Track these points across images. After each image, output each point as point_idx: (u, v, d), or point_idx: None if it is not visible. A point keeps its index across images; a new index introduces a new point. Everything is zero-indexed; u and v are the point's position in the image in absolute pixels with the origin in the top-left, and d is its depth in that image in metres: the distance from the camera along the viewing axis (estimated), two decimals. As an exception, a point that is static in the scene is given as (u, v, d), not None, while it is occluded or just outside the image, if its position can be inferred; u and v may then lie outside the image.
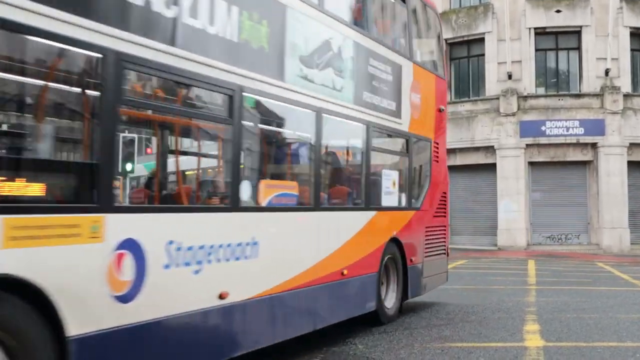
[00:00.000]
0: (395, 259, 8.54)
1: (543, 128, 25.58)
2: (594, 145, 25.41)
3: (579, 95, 25.68)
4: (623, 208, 24.92)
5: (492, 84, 26.32)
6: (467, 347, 6.84)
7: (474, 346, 6.92)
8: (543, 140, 25.63)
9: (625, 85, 25.62)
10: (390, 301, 8.45)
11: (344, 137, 8.00)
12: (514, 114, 25.68)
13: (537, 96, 26.04)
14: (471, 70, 27.56)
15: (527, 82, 25.98)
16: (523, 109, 25.79)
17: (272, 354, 6.42)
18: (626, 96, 25.43)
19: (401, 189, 8.88)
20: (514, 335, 7.56)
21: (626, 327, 8.20)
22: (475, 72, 27.31)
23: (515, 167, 25.57)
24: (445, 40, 27.52)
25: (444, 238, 10.30)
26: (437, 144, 10.05)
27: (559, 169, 25.86)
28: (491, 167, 26.18)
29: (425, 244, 9.45)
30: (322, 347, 6.80)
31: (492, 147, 26.01)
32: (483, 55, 26.77)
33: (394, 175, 8.75)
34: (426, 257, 9.40)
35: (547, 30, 26.11)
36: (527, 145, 25.71)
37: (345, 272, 7.13)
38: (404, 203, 8.95)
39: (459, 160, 26.84)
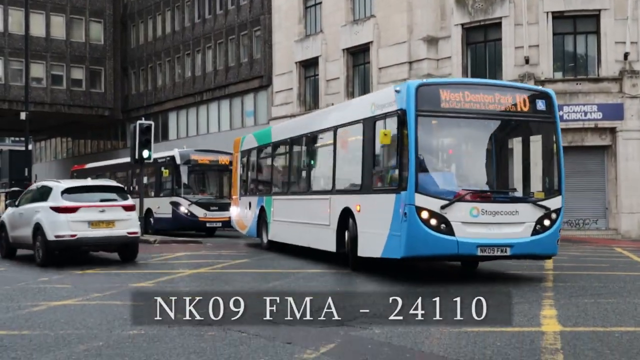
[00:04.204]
0: None
1: (561, 113, 25.27)
2: (612, 130, 25.19)
3: (597, 80, 25.43)
4: (642, 193, 24.73)
5: (509, 69, 26.11)
6: (484, 332, 6.86)
7: (490, 331, 6.94)
8: (561, 125, 25.29)
9: (645, 69, 25.33)
10: None
11: None
12: (531, 99, 25.47)
13: (554, 80, 25.81)
14: (488, 55, 27.35)
15: (545, 67, 25.75)
16: (540, 94, 25.57)
17: (290, 333, 6.50)
18: (645, 80, 25.16)
19: None
20: (530, 320, 7.57)
21: (644, 312, 8.18)
22: (492, 57, 27.10)
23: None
24: (462, 25, 27.36)
25: None
26: None
27: (576, 154, 25.65)
28: (508, 153, 26.05)
29: None
30: (340, 332, 6.85)
31: (509, 132, 25.84)
32: (500, 39, 26.55)
33: None
34: None
35: (565, 14, 25.83)
36: (544, 130, 25.52)
37: None
38: None
39: (476, 145, 26.71)
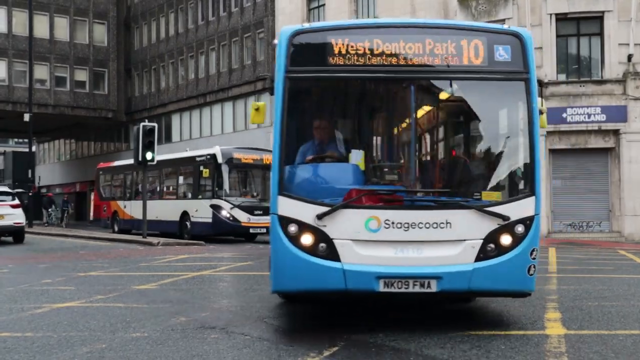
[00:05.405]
0: None
1: (564, 115, 25.36)
2: (615, 132, 25.16)
3: (600, 82, 25.41)
4: (645, 195, 24.70)
5: (513, 71, 26.10)
6: (488, 335, 6.84)
7: (495, 334, 6.91)
8: (564, 127, 25.41)
9: (648, 71, 25.31)
10: None
11: None
12: (534, 101, 25.45)
13: (558, 83, 25.80)
14: (491, 57, 27.33)
15: (548, 69, 25.73)
16: (544, 96, 25.48)
17: (293, 336, 6.48)
18: (649, 82, 25.13)
19: None
20: (535, 324, 7.55)
21: (648, 316, 8.15)
22: (496, 59, 27.08)
23: (536, 155, 25.39)
24: (465, 26, 27.37)
25: None
26: None
27: (580, 156, 25.65)
28: (511, 155, 25.99)
29: None
30: (343, 335, 6.83)
31: (513, 134, 25.80)
32: (503, 41, 26.53)
33: None
34: None
35: (569, 15, 25.83)
36: (547, 132, 25.50)
37: None
38: None
39: (479, 147, 26.69)
